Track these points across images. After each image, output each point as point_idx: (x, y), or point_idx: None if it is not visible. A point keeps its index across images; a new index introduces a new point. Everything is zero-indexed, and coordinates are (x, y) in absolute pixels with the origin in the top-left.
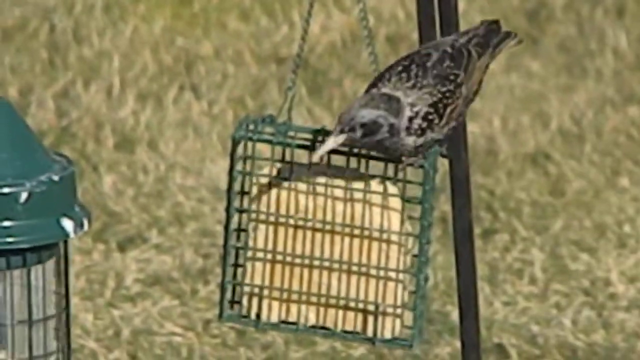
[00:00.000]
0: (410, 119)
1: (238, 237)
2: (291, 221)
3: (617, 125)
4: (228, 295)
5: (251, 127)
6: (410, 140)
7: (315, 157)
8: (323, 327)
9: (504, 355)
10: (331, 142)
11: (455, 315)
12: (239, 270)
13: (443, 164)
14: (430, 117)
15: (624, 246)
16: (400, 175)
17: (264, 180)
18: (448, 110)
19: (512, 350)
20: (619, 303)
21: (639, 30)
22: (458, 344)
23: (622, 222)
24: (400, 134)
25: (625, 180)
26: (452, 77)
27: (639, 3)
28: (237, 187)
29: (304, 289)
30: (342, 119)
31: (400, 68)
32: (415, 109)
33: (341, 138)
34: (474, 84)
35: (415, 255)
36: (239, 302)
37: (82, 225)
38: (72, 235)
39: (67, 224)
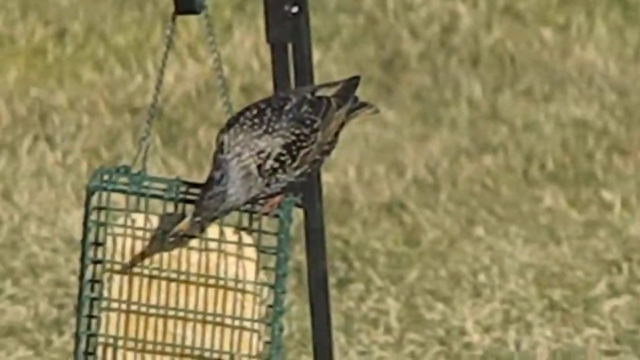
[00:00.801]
0: (259, 166)
1: (92, 288)
2: (146, 271)
3: (471, 174)
4: (82, 346)
5: (106, 177)
6: (262, 182)
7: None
8: None
9: None
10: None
11: None
12: (94, 320)
13: (298, 214)
14: (282, 158)
15: (479, 295)
16: (255, 225)
17: (119, 231)
18: (301, 152)
19: None
20: (474, 352)
21: (493, 80)
22: None
23: (477, 271)
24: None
25: (480, 230)
26: (308, 122)
27: (494, 53)
28: (91, 237)
29: (159, 339)
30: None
31: (255, 112)
32: (264, 155)
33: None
34: (330, 133)
35: (270, 306)
36: (93, 353)
37: None
38: None
39: None
